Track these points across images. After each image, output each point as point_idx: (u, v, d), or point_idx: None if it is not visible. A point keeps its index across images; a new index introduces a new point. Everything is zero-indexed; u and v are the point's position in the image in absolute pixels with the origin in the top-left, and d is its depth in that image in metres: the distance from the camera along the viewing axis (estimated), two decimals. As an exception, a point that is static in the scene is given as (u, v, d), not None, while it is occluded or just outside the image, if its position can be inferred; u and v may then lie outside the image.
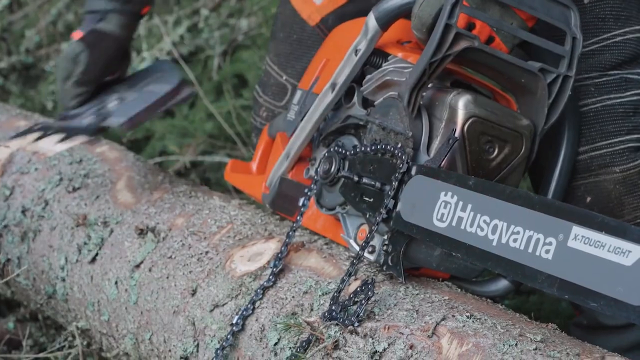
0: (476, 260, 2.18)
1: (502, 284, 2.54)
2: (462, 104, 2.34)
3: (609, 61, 2.69)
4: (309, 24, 2.95)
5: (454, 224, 2.18)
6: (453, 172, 2.31)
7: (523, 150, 2.42)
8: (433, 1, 2.34)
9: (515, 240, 2.06)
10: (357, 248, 2.48)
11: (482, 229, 2.12)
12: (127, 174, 3.08)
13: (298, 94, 2.81)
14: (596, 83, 2.69)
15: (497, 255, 2.09)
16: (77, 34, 2.99)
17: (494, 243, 2.09)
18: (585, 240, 1.97)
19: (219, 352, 2.48)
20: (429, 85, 2.39)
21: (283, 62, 3.03)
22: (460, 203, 2.18)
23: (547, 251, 2.01)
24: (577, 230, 1.98)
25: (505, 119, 2.39)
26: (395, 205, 2.34)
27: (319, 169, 2.60)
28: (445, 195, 2.21)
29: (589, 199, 2.70)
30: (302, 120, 2.66)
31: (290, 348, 2.34)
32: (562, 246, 1.99)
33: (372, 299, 2.30)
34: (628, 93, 2.71)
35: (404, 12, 2.41)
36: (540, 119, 2.44)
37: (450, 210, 2.19)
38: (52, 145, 3.28)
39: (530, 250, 2.02)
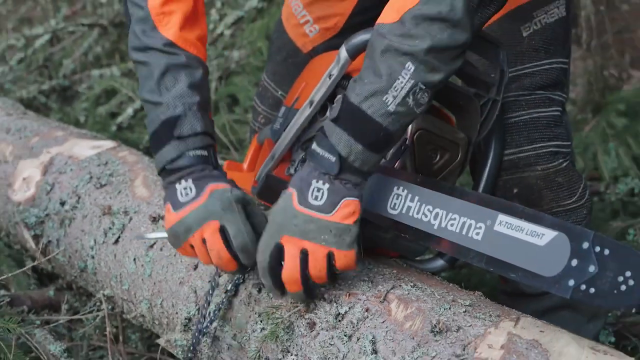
0: (421, 240, 2.24)
1: (439, 262, 2.55)
2: None
3: (538, 83, 2.71)
4: (302, 51, 2.99)
5: (403, 211, 2.24)
6: (404, 171, 2.36)
7: (459, 157, 2.45)
8: None
9: (452, 225, 2.13)
10: (327, 231, 2.50)
11: (426, 216, 2.19)
12: (143, 173, 3.08)
13: (282, 109, 2.81)
14: (527, 99, 2.72)
15: (438, 237, 2.16)
16: (225, 185, 2.39)
17: (435, 227, 2.16)
18: (508, 225, 2.04)
19: (216, 312, 2.48)
20: (387, 104, 2.41)
21: (279, 80, 3.04)
22: (409, 195, 2.24)
23: (478, 233, 2.08)
24: (502, 217, 2.05)
25: (446, 132, 2.42)
26: (358, 196, 2.37)
27: (297, 168, 2.62)
28: (398, 189, 2.27)
29: (515, 190, 2.72)
30: (285, 130, 2.67)
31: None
32: (490, 230, 2.06)
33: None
34: (551, 109, 2.74)
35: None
36: (474, 133, 2.46)
37: (401, 201, 2.25)
38: (84, 150, 3.28)
39: (464, 232, 2.09)
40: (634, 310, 1.84)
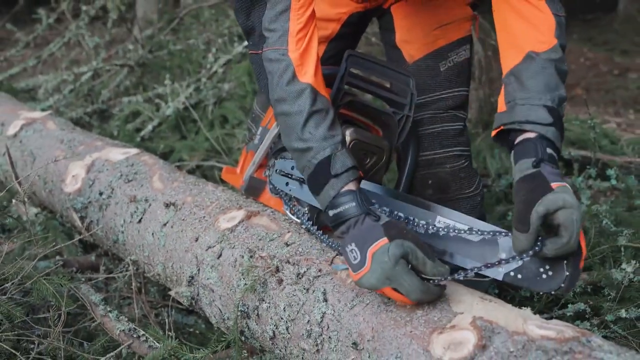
0: None
1: None
2: (348, 133, 2.36)
3: (449, 105, 2.75)
4: None
5: None
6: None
7: (384, 159, 2.45)
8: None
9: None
10: (291, 215, 2.49)
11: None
12: (159, 172, 3.05)
13: (260, 129, 2.82)
14: (441, 116, 2.76)
15: None
16: (381, 242, 1.92)
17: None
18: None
19: (212, 269, 2.48)
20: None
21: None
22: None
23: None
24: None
25: (374, 140, 2.42)
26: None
27: (271, 170, 2.61)
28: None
29: (430, 182, 2.76)
30: (261, 144, 2.66)
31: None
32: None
33: (299, 243, 2.31)
34: (457, 124, 2.78)
35: None
36: (394, 141, 2.47)
37: None
38: (116, 155, 3.26)
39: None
40: (552, 292, 1.89)
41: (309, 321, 2.14)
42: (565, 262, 1.91)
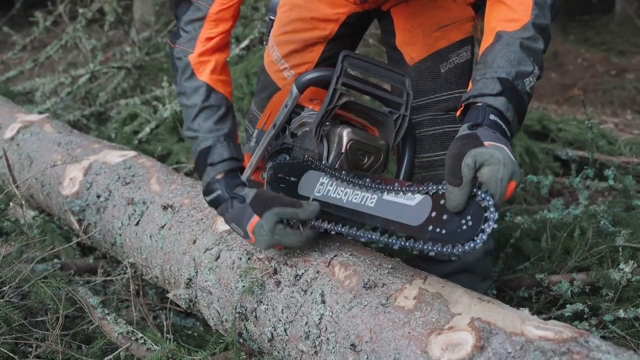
0: (335, 211, 2.23)
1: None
2: (345, 133, 2.37)
3: (450, 106, 2.74)
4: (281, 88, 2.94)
5: (325, 193, 2.27)
6: (326, 165, 2.37)
7: (382, 158, 2.45)
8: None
9: (355, 198, 2.16)
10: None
11: (339, 194, 2.22)
12: (156, 174, 3.05)
13: (256, 131, 2.81)
14: (442, 118, 2.76)
15: (346, 207, 2.18)
16: (254, 220, 2.26)
17: (344, 201, 2.19)
18: (391, 193, 2.07)
19: (210, 272, 2.48)
20: (327, 124, 2.41)
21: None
22: (329, 181, 2.28)
23: (372, 202, 2.11)
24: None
25: (371, 141, 2.42)
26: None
27: (268, 173, 2.61)
28: (322, 179, 2.31)
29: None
30: (258, 146, 2.66)
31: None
32: (380, 199, 2.08)
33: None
34: (458, 125, 2.74)
35: (312, 83, 2.43)
36: (391, 140, 2.47)
37: (324, 186, 2.29)
38: (114, 158, 3.25)
39: (362, 202, 2.13)
40: (472, 244, 1.81)
41: (307, 323, 2.14)
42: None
